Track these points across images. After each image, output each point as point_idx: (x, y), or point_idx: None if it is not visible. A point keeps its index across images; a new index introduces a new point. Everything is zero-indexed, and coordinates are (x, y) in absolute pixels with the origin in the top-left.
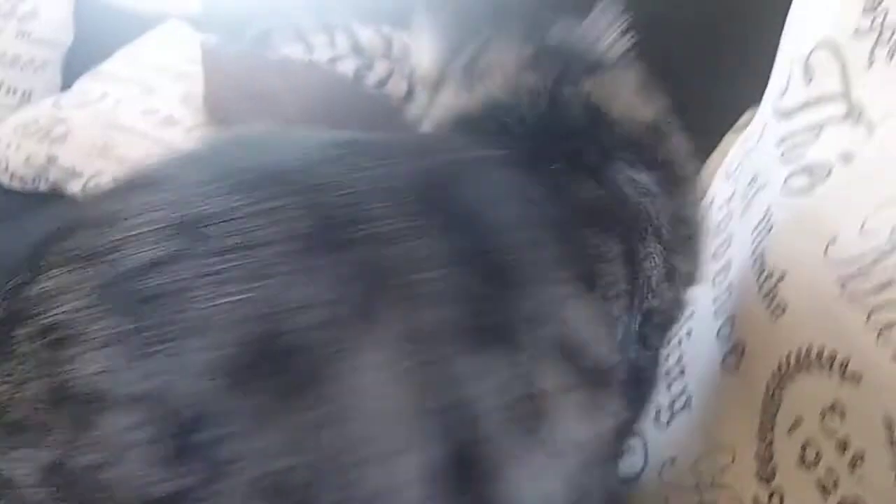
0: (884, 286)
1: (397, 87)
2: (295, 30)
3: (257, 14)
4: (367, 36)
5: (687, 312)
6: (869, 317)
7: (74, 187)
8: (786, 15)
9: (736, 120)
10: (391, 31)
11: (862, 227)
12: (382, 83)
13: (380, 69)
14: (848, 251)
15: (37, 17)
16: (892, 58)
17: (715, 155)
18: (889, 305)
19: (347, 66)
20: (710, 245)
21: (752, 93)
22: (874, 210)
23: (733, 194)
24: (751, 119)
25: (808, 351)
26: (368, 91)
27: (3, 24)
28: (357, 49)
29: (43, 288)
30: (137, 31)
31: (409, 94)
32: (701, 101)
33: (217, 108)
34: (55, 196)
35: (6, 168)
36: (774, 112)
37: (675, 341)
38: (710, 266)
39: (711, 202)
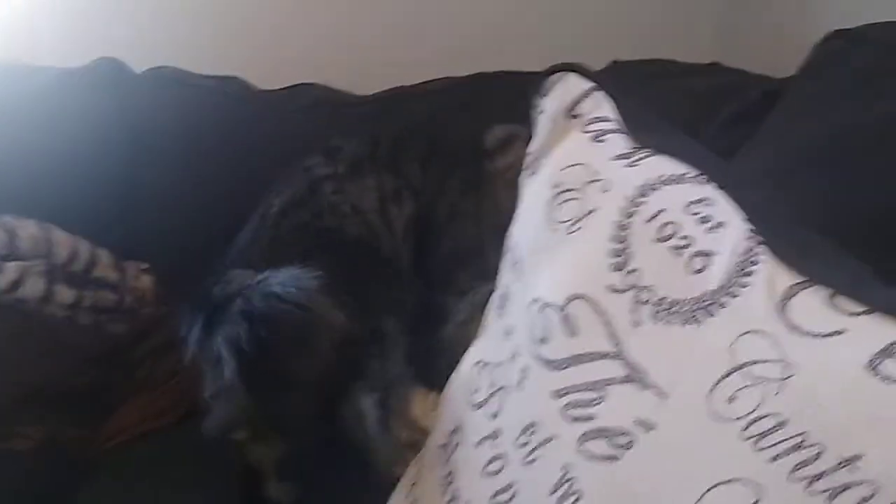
0: None
1: (34, 287)
2: None
3: None
4: None
5: None
6: None
7: None
8: None
9: None
10: (13, 222)
11: None
12: (15, 286)
13: (10, 272)
14: None
15: None
16: (657, 319)
17: None
18: None
19: None
20: (485, 488)
21: None
22: (690, 493)
23: (499, 434)
24: None
25: None
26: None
27: None
28: None
29: None
30: None
31: (50, 293)
32: None
33: None
34: None
35: None
36: (538, 359)
37: None
38: None
39: (457, 430)
